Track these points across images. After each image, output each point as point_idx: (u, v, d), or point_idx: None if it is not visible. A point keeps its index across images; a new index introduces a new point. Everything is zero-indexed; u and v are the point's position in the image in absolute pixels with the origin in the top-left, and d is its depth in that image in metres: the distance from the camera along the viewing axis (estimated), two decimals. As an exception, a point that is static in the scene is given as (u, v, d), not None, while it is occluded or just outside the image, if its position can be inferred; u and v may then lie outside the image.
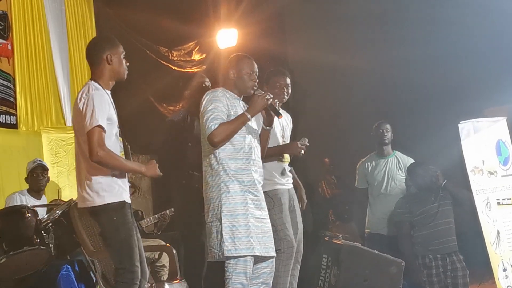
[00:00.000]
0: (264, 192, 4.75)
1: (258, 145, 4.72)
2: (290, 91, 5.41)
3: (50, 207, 5.95)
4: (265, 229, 4.59)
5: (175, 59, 9.71)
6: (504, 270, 5.83)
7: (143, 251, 4.30)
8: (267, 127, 4.82)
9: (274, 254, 4.65)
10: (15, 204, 6.09)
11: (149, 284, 5.55)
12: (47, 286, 5.18)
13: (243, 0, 9.90)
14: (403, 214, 6.25)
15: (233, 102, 4.64)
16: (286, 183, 5.34)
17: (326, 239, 6.03)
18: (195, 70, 9.70)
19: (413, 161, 6.57)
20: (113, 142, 4.16)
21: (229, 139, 4.52)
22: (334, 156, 10.30)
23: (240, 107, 4.67)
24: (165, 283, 5.63)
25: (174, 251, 5.73)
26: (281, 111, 4.86)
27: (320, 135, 9.81)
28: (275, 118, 4.81)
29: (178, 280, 5.56)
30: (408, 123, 8.75)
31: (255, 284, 4.59)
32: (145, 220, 7.01)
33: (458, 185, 6.21)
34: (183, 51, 9.87)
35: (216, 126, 4.47)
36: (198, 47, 10.02)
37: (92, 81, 4.20)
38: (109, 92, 4.24)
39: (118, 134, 4.24)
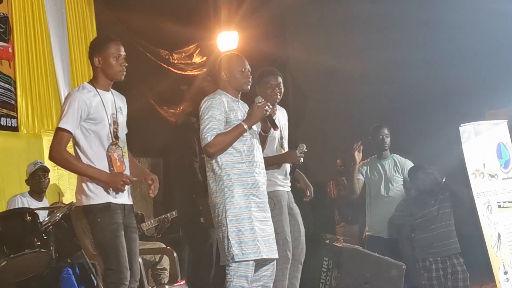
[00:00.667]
0: (264, 192, 4.75)
1: (260, 147, 4.71)
2: (282, 90, 5.33)
3: (51, 209, 5.95)
4: (269, 231, 4.59)
5: (175, 62, 9.70)
6: (505, 273, 5.82)
7: (137, 252, 4.29)
8: (264, 133, 4.83)
9: (277, 256, 4.64)
10: (17, 206, 6.10)
11: (150, 287, 5.56)
12: (48, 289, 5.19)
13: (244, 2, 9.89)
14: (403, 217, 6.24)
15: (232, 105, 4.61)
16: (286, 185, 5.34)
17: (327, 242, 6.02)
18: (196, 73, 9.69)
19: (411, 163, 6.56)
20: (104, 141, 4.13)
21: (225, 150, 4.51)
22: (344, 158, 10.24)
23: (239, 109, 4.65)
24: (166, 286, 5.64)
25: (175, 254, 5.72)
26: (276, 107, 4.88)
27: (324, 137, 9.84)
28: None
29: (179, 283, 5.56)
30: (409, 126, 8.75)
31: (255, 287, 4.58)
32: (146, 223, 7.01)
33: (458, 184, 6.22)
34: (183, 54, 9.86)
35: (212, 137, 4.46)
36: (198, 50, 10.00)
37: (86, 82, 4.26)
38: (106, 92, 4.24)
39: (113, 134, 4.18)
